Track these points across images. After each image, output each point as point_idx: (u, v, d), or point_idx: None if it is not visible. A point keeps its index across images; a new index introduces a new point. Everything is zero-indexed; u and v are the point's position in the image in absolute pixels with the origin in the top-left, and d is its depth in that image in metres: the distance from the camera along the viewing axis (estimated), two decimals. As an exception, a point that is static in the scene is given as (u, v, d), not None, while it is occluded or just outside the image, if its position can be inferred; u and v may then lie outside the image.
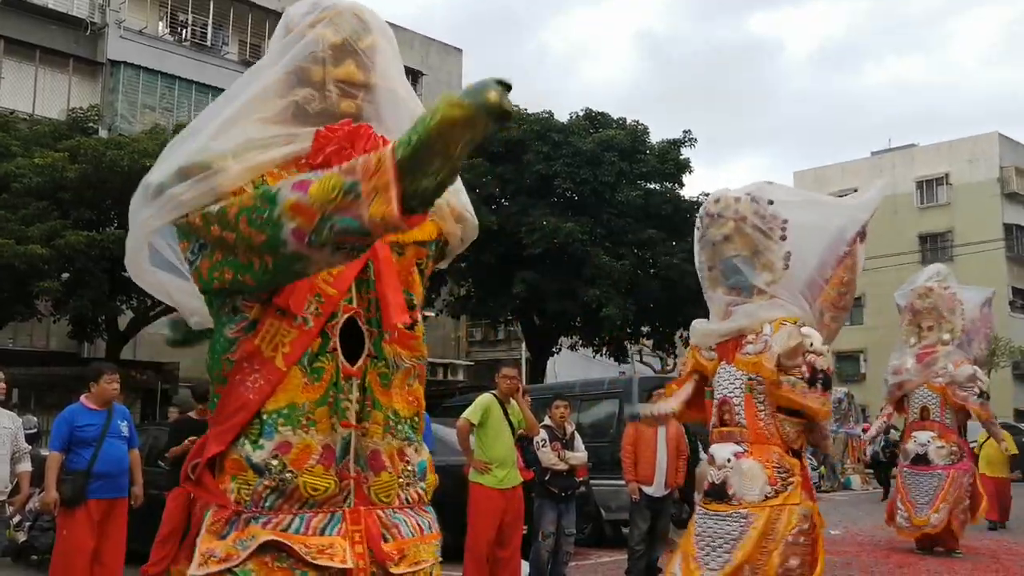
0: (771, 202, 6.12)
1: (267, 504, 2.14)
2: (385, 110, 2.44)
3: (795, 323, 5.91)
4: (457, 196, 2.52)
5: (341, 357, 2.23)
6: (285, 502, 2.15)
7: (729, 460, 5.83)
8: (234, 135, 2.27)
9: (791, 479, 5.80)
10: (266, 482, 2.14)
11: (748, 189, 6.25)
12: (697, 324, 6.35)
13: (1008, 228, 39.83)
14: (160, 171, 2.29)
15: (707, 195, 25.21)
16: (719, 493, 5.84)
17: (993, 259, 37.58)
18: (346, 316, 2.25)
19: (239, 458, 2.16)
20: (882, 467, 18.14)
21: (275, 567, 2.09)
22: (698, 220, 6.44)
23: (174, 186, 2.21)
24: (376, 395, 2.27)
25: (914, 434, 10.65)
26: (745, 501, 5.72)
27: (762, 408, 5.88)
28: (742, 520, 5.69)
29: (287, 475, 2.14)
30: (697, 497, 6.13)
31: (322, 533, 2.14)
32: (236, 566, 2.08)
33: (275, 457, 2.15)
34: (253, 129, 2.30)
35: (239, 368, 2.19)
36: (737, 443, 5.89)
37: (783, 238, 6.05)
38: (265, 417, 2.16)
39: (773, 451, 5.85)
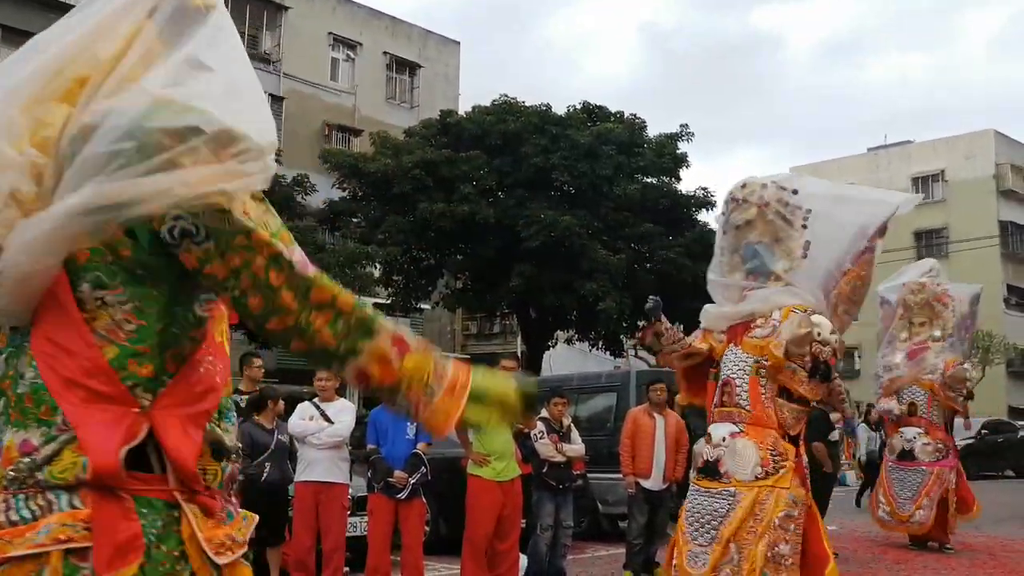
0: (795, 191, 6.23)
1: (235, 488, 2.13)
2: None
3: (805, 311, 5.93)
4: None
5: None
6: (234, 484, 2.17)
7: (725, 439, 5.94)
8: (264, 114, 2.09)
9: (783, 463, 5.83)
10: (234, 466, 2.09)
11: (775, 177, 6.39)
12: (709, 307, 6.43)
13: (1003, 225, 39.91)
14: (197, 114, 1.86)
15: (704, 189, 24.59)
16: (712, 470, 5.94)
17: (988, 256, 37.64)
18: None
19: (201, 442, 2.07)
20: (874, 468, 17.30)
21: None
22: (723, 204, 6.60)
23: (253, 156, 1.92)
24: None
25: (901, 429, 10.80)
26: (735, 479, 5.81)
27: (764, 391, 5.96)
28: (730, 498, 5.77)
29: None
30: (692, 474, 6.21)
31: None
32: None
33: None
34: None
35: (198, 349, 2.08)
36: (734, 423, 5.97)
37: (804, 227, 6.15)
38: (223, 401, 2.11)
39: (770, 434, 5.91)
